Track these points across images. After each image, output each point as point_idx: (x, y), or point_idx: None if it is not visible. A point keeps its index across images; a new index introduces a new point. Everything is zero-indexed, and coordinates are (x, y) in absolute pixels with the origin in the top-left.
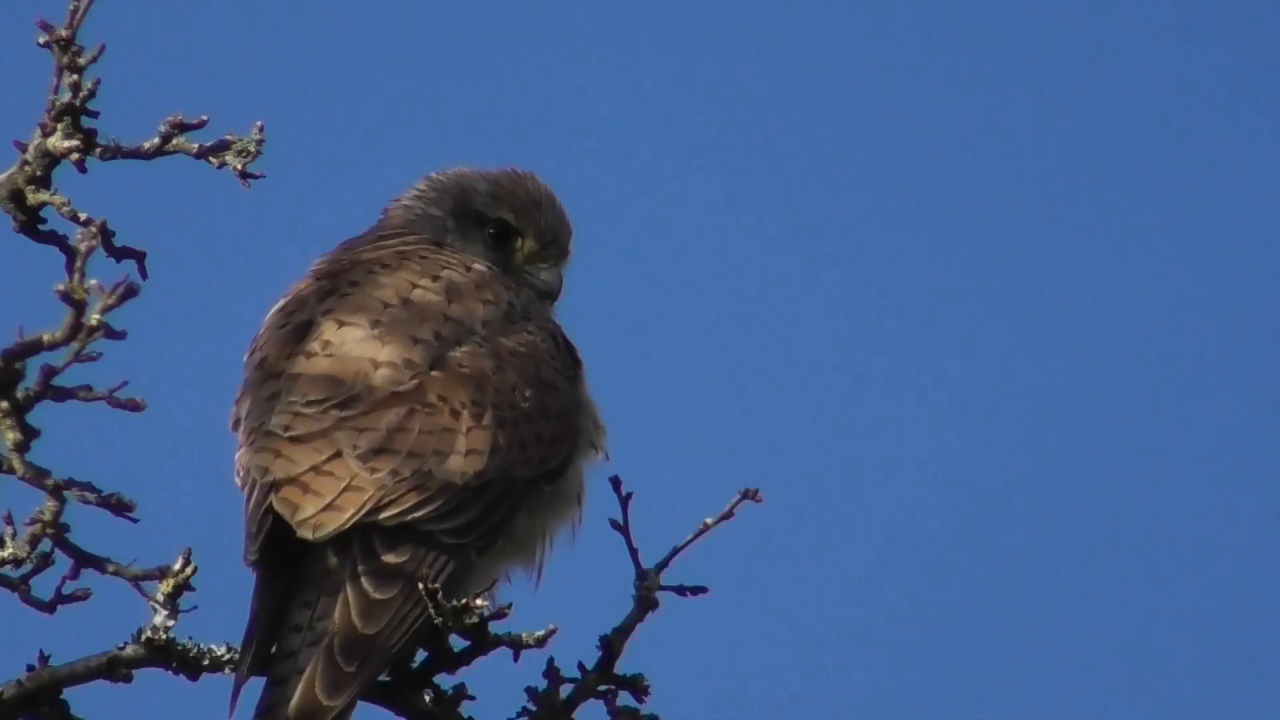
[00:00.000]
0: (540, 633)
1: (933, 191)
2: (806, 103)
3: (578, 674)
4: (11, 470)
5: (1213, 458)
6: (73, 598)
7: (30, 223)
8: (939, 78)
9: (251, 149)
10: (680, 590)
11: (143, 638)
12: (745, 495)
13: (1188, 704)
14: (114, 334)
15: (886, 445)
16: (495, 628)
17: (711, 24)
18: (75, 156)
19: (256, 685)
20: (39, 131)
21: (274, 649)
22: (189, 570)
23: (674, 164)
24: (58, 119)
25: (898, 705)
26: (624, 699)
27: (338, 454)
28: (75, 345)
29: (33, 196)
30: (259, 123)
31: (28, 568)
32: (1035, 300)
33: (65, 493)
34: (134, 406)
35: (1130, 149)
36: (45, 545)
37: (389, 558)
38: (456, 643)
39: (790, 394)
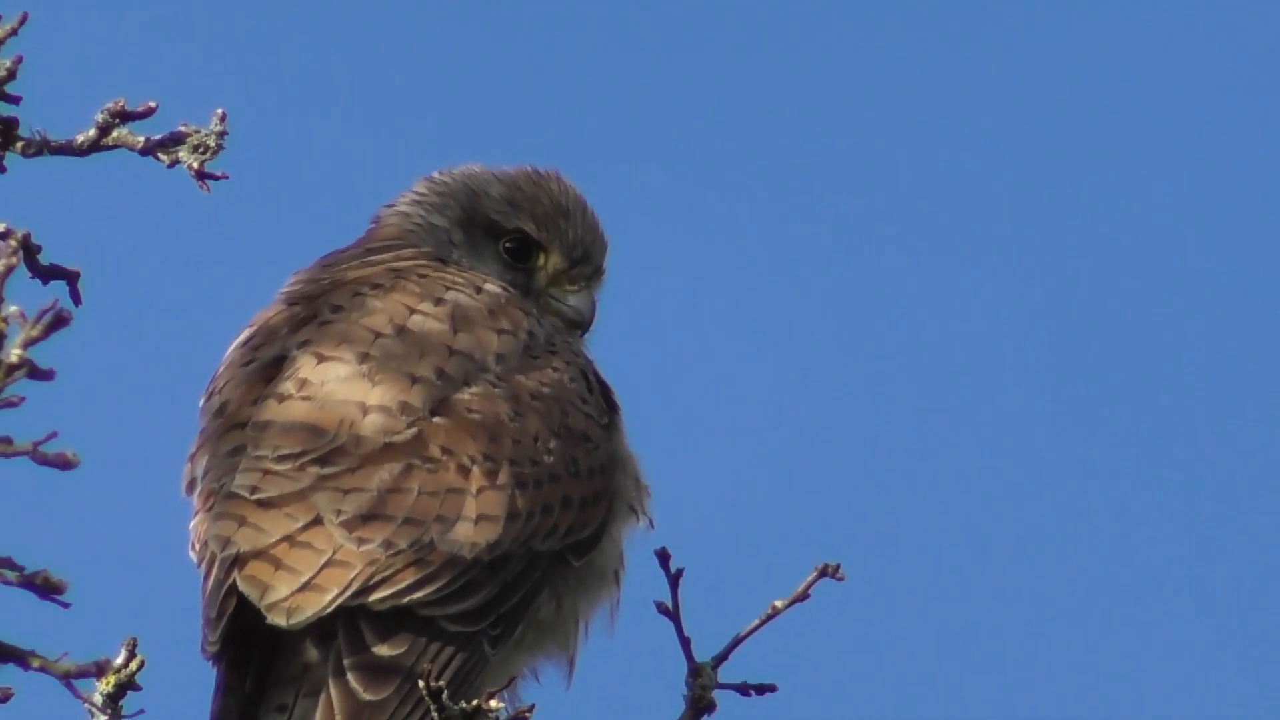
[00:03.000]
0: None
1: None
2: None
3: None
4: None
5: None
6: None
7: None
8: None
9: (211, 144)
10: (743, 689)
11: None
12: (824, 572)
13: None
14: (40, 373)
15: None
16: None
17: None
18: None
19: None
20: None
21: None
22: (134, 665)
23: (740, 181)
24: None
25: None
26: None
27: (317, 520)
28: None
29: None
30: (220, 111)
31: None
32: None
33: None
34: (65, 463)
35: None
36: None
37: (382, 649)
38: None
39: (880, 446)
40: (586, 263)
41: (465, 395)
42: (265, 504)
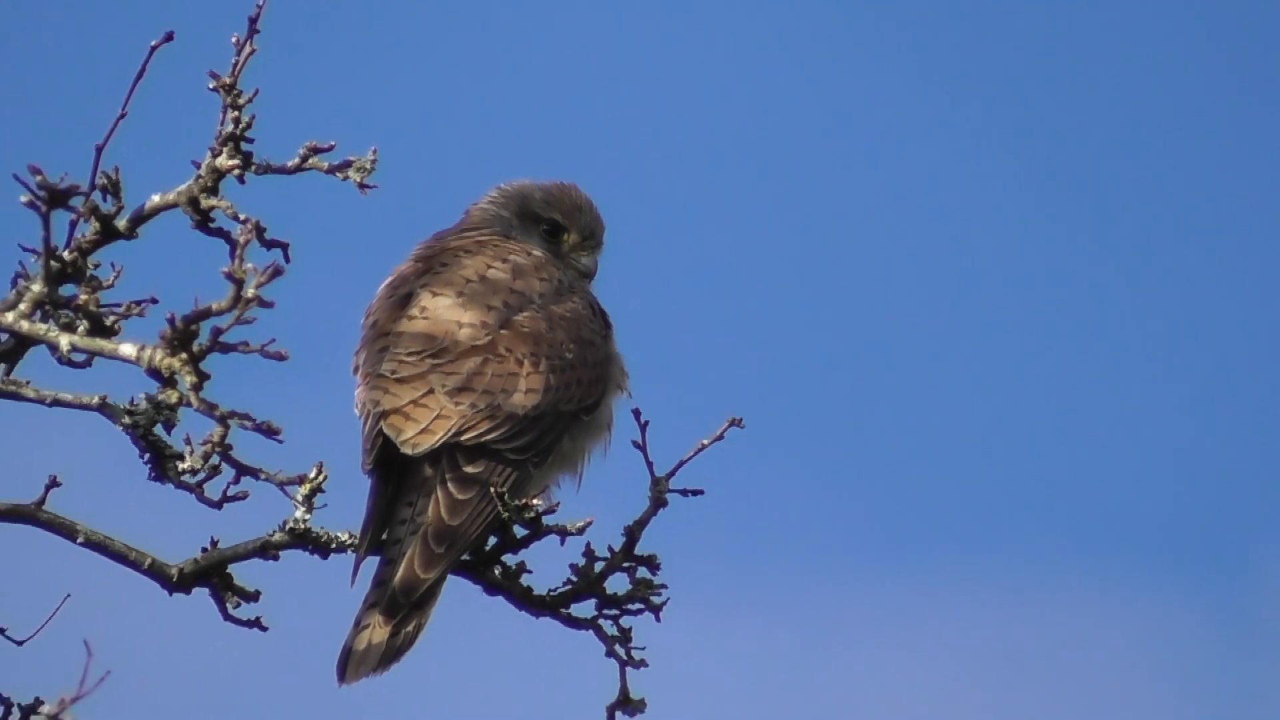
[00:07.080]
0: (580, 523)
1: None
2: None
3: (607, 554)
4: (190, 404)
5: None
6: (235, 498)
7: (203, 222)
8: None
9: (368, 166)
10: (683, 492)
11: (287, 527)
12: (732, 423)
13: None
14: (265, 304)
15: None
16: (547, 520)
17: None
18: (237, 172)
19: (371, 563)
20: (210, 154)
21: (384, 536)
22: (321, 477)
23: (678, 174)
24: (223, 144)
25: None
26: (642, 572)
27: (431, 391)
28: (236, 311)
29: (205, 202)
30: (374, 147)
31: (202, 476)
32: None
33: (229, 421)
34: (280, 357)
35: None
36: (215, 459)
37: (469, 468)
38: (519, 531)
39: (772, 343)
40: (593, 239)
41: (520, 318)
42: (400, 381)
